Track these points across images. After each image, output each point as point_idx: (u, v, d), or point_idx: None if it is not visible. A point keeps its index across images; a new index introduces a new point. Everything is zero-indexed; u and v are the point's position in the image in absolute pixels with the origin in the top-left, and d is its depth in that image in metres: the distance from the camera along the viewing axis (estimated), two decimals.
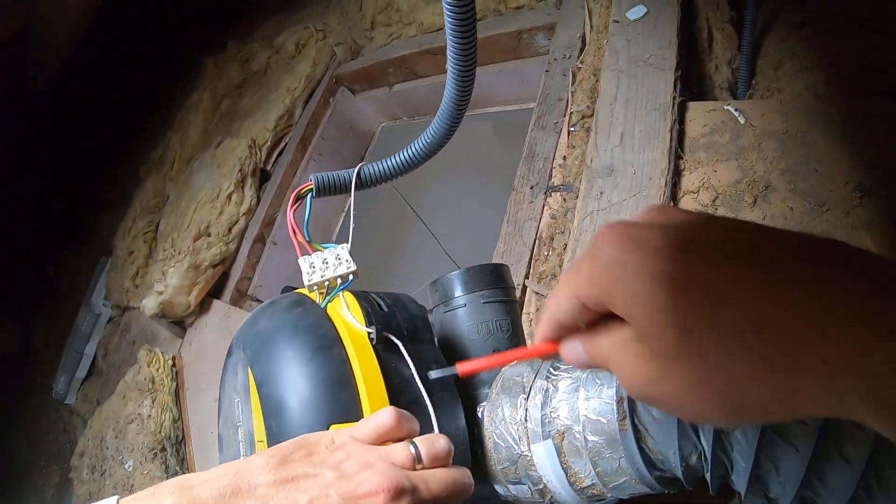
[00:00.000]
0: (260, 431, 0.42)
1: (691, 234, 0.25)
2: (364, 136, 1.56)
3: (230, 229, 1.37)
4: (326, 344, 0.43)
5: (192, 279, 1.33)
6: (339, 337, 0.43)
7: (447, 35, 0.45)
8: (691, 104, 0.82)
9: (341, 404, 0.40)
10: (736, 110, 0.80)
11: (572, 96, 0.91)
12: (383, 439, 0.37)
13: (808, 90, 0.90)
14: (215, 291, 1.40)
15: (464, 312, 0.52)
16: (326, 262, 0.47)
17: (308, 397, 0.40)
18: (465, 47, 0.46)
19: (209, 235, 1.37)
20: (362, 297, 0.47)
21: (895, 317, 0.20)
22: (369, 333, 0.44)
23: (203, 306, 1.38)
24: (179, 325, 1.44)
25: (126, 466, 1.33)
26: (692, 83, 0.91)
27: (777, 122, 0.77)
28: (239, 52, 1.78)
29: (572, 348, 0.30)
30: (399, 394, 0.42)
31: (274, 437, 0.40)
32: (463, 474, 0.37)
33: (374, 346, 0.44)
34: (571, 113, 0.89)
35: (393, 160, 0.54)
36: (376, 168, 0.53)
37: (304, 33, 1.57)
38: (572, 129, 0.87)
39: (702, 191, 0.74)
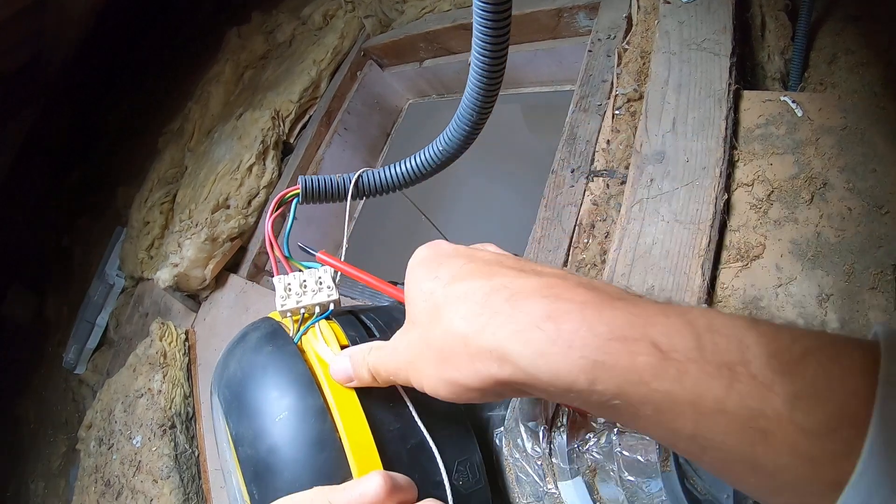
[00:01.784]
0: (244, 493, 0.38)
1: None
2: (391, 112, 1.52)
3: (250, 202, 1.34)
4: (300, 392, 0.37)
5: (208, 252, 1.30)
6: (317, 382, 0.37)
7: (474, 38, 0.39)
8: (746, 93, 0.78)
9: (323, 467, 0.35)
10: (793, 102, 0.76)
11: (617, 78, 0.87)
12: None
13: (865, 87, 0.86)
14: (232, 266, 1.38)
15: None
16: (305, 286, 0.40)
17: (285, 462, 0.35)
18: (495, 46, 0.39)
19: (228, 208, 1.34)
20: (348, 323, 0.41)
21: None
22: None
23: (219, 280, 1.36)
24: (193, 298, 1.42)
25: (134, 442, 1.32)
26: (745, 72, 0.87)
27: (835, 118, 0.73)
28: (263, 24, 1.74)
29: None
30: (400, 440, 0.37)
31: None
32: None
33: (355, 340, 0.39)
34: (616, 96, 0.85)
35: (398, 168, 0.47)
36: (379, 176, 0.47)
37: (331, 4, 1.53)
38: (617, 112, 0.83)
39: (756, 184, 0.70)
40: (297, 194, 0.44)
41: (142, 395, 1.34)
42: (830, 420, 0.20)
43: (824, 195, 0.67)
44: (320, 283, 0.40)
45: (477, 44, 0.38)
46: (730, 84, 0.75)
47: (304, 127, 1.44)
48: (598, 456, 0.37)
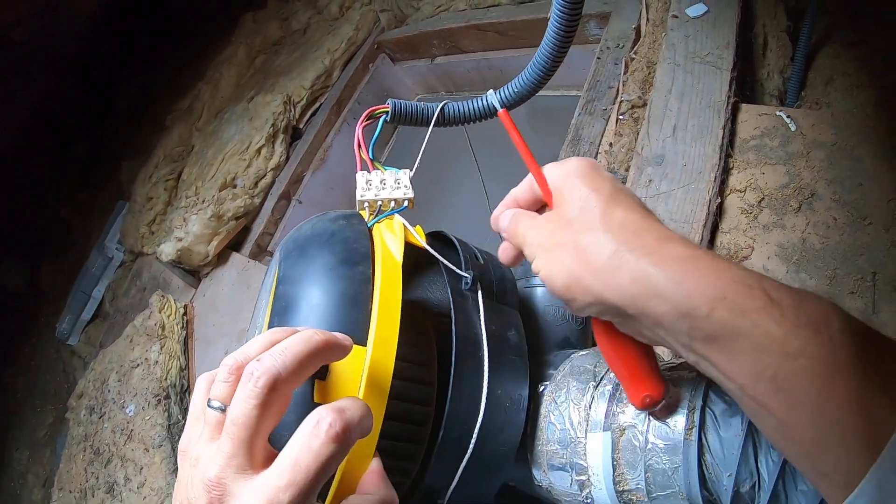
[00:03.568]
0: (264, 327, 0.41)
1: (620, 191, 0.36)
2: None
3: (256, 183, 1.37)
4: (355, 259, 0.40)
5: (213, 229, 1.33)
6: (372, 257, 0.40)
7: None
8: (744, 106, 0.83)
9: (347, 322, 0.37)
10: (788, 117, 0.80)
11: (623, 85, 0.91)
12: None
13: (858, 108, 0.90)
14: (235, 244, 1.40)
15: (543, 292, 0.51)
16: (384, 183, 0.44)
17: (315, 305, 0.38)
18: None
19: (235, 187, 1.37)
20: (463, 245, 0.46)
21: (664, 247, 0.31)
22: (465, 278, 0.43)
23: (221, 257, 1.38)
24: (193, 274, 1.44)
25: (127, 411, 1.34)
26: (745, 86, 0.91)
27: (827, 134, 0.77)
28: (279, 10, 1.77)
29: (505, 214, 0.40)
30: (471, 348, 0.41)
31: None
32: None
33: (462, 293, 0.42)
34: (621, 101, 0.89)
35: (476, 103, 0.50)
36: (459, 108, 0.49)
37: None
38: (621, 117, 0.87)
39: (748, 191, 0.74)
40: (386, 112, 0.48)
41: (137, 364, 1.36)
42: (882, 384, 0.25)
43: (812, 205, 0.72)
44: (398, 183, 0.44)
45: None
46: (729, 96, 0.80)
47: (314, 113, 1.47)
48: (632, 420, 0.40)
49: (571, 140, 0.89)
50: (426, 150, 0.49)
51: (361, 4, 1.53)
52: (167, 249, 1.35)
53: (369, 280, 0.39)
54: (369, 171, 0.45)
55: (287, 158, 1.41)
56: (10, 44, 2.19)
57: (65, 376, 1.98)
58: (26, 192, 2.54)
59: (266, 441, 0.30)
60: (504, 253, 0.41)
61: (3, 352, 2.35)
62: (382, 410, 0.35)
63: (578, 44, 1.14)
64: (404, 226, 0.44)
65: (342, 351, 0.34)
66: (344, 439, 0.29)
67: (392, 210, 0.44)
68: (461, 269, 0.43)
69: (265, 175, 1.38)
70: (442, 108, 0.48)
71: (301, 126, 1.46)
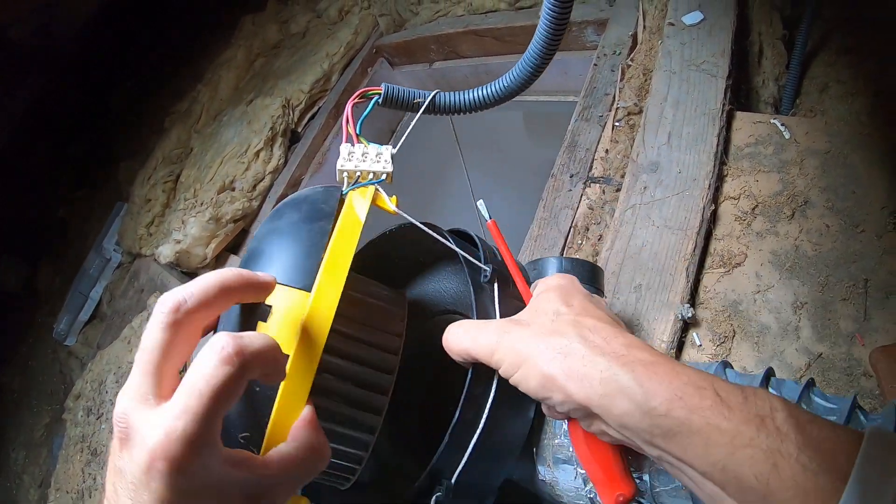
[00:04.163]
0: None
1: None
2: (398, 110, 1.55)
3: (255, 186, 1.38)
4: (318, 216, 0.42)
5: (211, 231, 1.33)
6: (336, 216, 0.42)
7: None
8: (738, 113, 0.83)
9: (299, 270, 0.38)
10: (782, 125, 0.81)
11: (620, 92, 0.92)
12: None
13: (852, 116, 0.91)
14: (233, 247, 1.41)
15: None
16: (365, 156, 0.46)
17: (273, 255, 0.39)
18: None
19: (233, 190, 1.37)
20: (482, 242, 0.48)
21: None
22: (484, 270, 0.44)
23: (219, 260, 1.39)
24: (191, 276, 1.44)
25: None
26: (740, 94, 0.92)
27: (821, 142, 0.78)
28: (278, 13, 1.78)
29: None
30: None
31: None
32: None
33: (480, 283, 0.44)
34: (618, 108, 0.89)
35: (470, 95, 0.52)
36: (451, 98, 0.51)
37: (348, 0, 1.57)
38: (617, 123, 0.88)
39: (742, 198, 0.75)
40: (379, 94, 0.50)
41: None
42: (823, 464, 0.28)
43: (805, 212, 0.72)
44: (379, 157, 0.46)
45: None
46: (724, 104, 0.80)
47: (312, 117, 1.47)
48: None
49: (568, 146, 0.90)
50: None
51: (360, 9, 1.53)
52: (165, 251, 1.35)
53: (327, 234, 0.40)
54: (353, 144, 0.46)
55: (285, 162, 1.42)
56: (8, 43, 2.19)
57: (62, 377, 1.98)
58: (24, 192, 2.54)
59: (175, 372, 0.31)
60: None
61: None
62: (316, 358, 0.35)
63: (576, 49, 1.15)
64: (377, 190, 0.45)
65: (259, 288, 0.35)
66: (237, 363, 0.29)
67: (370, 181, 0.45)
68: (481, 263, 0.45)
69: (263, 178, 1.38)
70: (434, 97, 0.50)
71: (299, 129, 1.47)
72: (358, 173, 0.45)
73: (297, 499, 0.35)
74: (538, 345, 0.37)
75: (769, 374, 0.40)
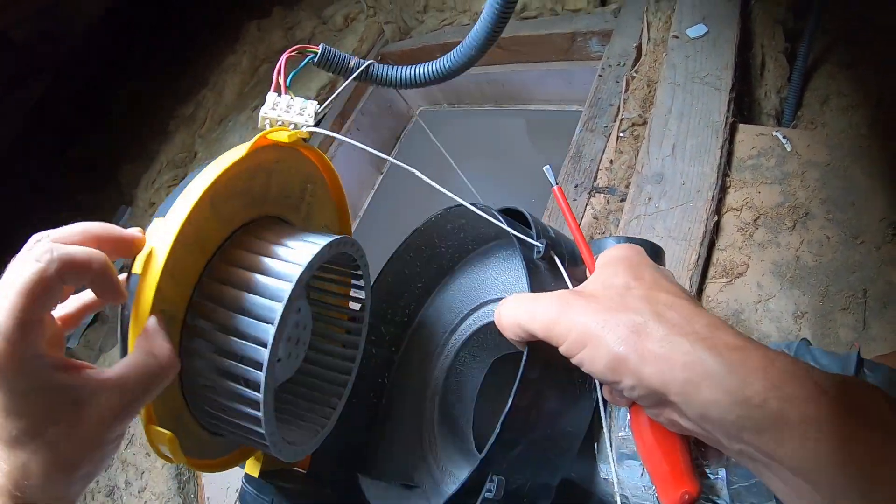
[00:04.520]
0: None
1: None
2: (402, 117, 1.58)
3: None
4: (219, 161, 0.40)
5: None
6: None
7: None
8: (741, 126, 0.85)
9: (166, 205, 0.37)
10: (784, 137, 0.83)
11: (624, 104, 0.93)
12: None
13: (853, 128, 0.93)
14: None
15: None
16: (290, 107, 0.45)
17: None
18: None
19: None
20: (534, 219, 0.44)
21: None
22: (537, 247, 0.41)
23: None
24: None
25: None
26: (742, 106, 0.93)
27: (821, 154, 0.80)
28: (284, 19, 1.79)
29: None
30: None
31: None
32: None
33: (534, 261, 0.41)
34: (622, 119, 0.91)
35: (407, 71, 0.52)
36: (387, 71, 0.51)
37: (354, 8, 1.58)
38: (622, 134, 0.90)
39: (745, 209, 0.77)
40: (315, 53, 0.49)
41: None
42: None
43: (806, 223, 0.74)
44: (302, 111, 0.46)
45: None
46: (727, 117, 0.82)
47: (317, 123, 1.48)
48: None
49: (573, 157, 0.91)
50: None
51: (366, 16, 1.55)
52: None
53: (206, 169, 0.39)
54: (280, 95, 0.46)
55: None
56: (10, 44, 2.19)
57: None
58: (26, 193, 2.54)
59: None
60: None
61: None
62: (156, 276, 0.34)
63: (580, 59, 1.17)
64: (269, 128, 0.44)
65: (122, 241, 0.35)
66: (49, 262, 0.30)
67: (290, 126, 0.45)
68: (533, 239, 0.42)
69: None
70: (368, 66, 0.50)
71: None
72: (279, 122, 0.45)
73: (160, 432, 0.35)
74: (607, 321, 0.32)
75: (859, 359, 0.37)
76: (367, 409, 0.59)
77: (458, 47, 0.50)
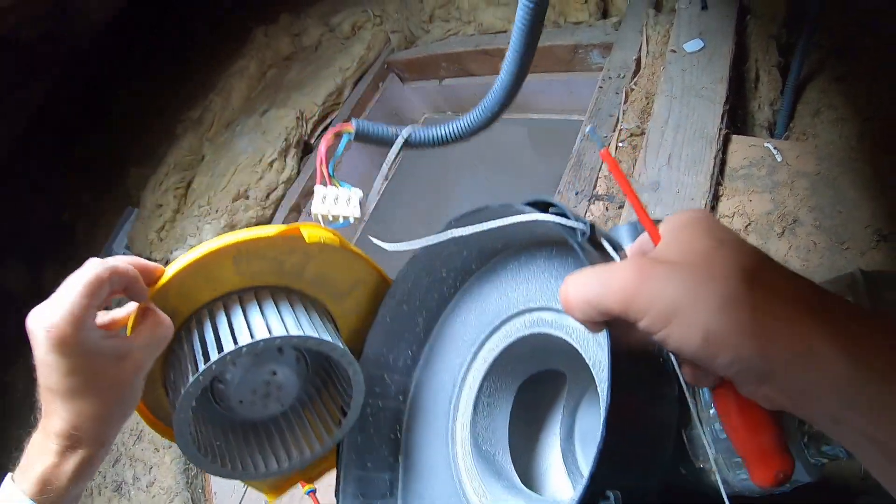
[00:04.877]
0: None
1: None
2: (407, 125, 1.60)
3: (268, 195, 1.42)
4: None
5: None
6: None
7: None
8: (734, 137, 0.89)
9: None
10: (775, 149, 0.86)
11: (623, 114, 0.97)
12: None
13: (842, 140, 0.96)
14: None
15: None
16: (338, 199, 0.49)
17: None
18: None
19: (247, 198, 1.42)
20: (566, 207, 0.41)
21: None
22: (580, 229, 0.38)
23: None
24: None
25: None
26: (736, 117, 0.97)
27: (811, 165, 0.84)
28: (291, 26, 1.83)
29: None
30: None
31: None
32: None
33: (582, 246, 0.37)
34: (621, 130, 0.95)
35: (443, 129, 0.52)
36: (424, 133, 0.51)
37: (361, 16, 1.63)
38: (621, 144, 0.93)
39: (736, 216, 0.80)
40: (350, 133, 0.51)
41: None
42: None
43: (794, 230, 0.78)
44: (349, 202, 0.50)
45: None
46: (721, 129, 0.86)
47: (325, 129, 1.52)
48: None
49: (573, 165, 0.95)
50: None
51: (373, 25, 1.59)
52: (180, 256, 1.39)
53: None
54: (326, 186, 0.50)
55: (298, 172, 1.47)
56: (17, 45, 2.22)
57: None
58: (30, 194, 2.56)
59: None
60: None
61: (3, 352, 2.36)
62: (155, 288, 0.45)
63: (581, 71, 1.21)
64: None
65: (146, 271, 0.45)
66: (102, 270, 0.40)
67: (339, 223, 0.50)
68: (571, 221, 0.38)
69: (276, 188, 1.43)
70: (408, 136, 0.51)
71: (312, 141, 1.52)
72: (330, 217, 0.50)
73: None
74: (697, 290, 0.28)
75: None
76: (388, 469, 0.59)
77: (487, 97, 0.50)
